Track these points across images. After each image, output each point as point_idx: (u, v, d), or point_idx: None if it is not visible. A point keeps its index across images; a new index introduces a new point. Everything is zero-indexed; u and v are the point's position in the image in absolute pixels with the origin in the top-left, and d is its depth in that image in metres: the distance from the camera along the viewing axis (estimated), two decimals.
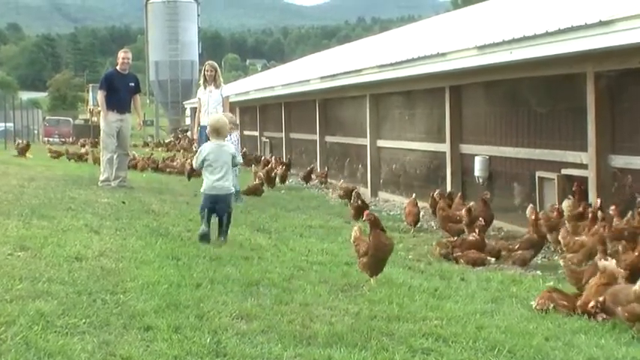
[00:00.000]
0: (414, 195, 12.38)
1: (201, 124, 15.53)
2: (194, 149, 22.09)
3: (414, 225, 11.75)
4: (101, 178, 16.10)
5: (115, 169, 15.97)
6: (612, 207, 9.03)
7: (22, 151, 28.12)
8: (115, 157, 15.96)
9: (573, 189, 10.35)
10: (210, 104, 15.52)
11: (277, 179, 18.10)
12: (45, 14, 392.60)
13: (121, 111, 16.19)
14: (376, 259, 7.26)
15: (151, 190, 15.76)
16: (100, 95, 16.58)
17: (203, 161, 9.69)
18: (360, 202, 12.39)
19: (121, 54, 16.75)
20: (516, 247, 9.27)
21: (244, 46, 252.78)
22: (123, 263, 7.63)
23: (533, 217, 9.51)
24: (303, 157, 23.35)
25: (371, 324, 5.78)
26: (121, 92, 16.18)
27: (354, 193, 12.87)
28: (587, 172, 10.02)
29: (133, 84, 16.57)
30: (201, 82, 15.97)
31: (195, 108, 17.68)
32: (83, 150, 30.02)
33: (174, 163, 23.54)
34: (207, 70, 15.78)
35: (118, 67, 16.66)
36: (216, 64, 16.17)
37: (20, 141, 33.56)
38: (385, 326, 5.74)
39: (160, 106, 67.32)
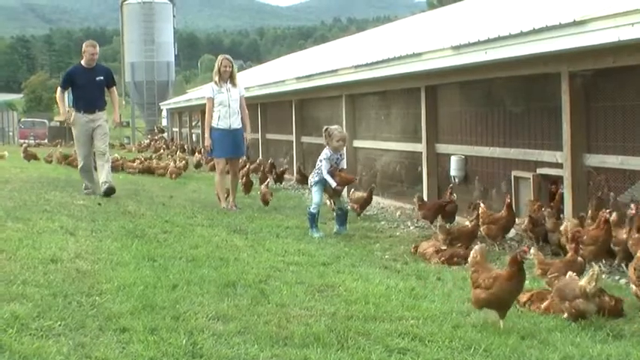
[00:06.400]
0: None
1: (220, 126, 13.86)
2: (203, 155, 20.71)
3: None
4: (83, 187, 14.88)
5: (99, 175, 14.56)
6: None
7: (30, 157, 27.39)
8: (90, 163, 14.75)
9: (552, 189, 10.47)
10: (231, 105, 13.86)
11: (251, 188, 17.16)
12: (19, 15, 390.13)
13: (89, 110, 14.56)
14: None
15: (126, 191, 15.67)
16: (58, 93, 15.02)
17: None
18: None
19: (89, 48, 14.78)
20: None
21: (220, 46, 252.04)
22: (98, 265, 7.62)
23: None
24: (280, 158, 23.28)
25: (347, 324, 5.78)
26: (87, 89, 14.54)
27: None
28: (563, 171, 10.07)
29: (101, 77, 14.80)
30: (216, 78, 13.91)
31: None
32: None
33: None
34: (224, 66, 13.90)
35: (83, 62, 14.88)
36: (232, 59, 14.29)
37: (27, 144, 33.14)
38: (362, 326, 5.75)
39: (136, 108, 67.05)
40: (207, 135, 14.00)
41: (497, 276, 6.03)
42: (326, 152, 11.42)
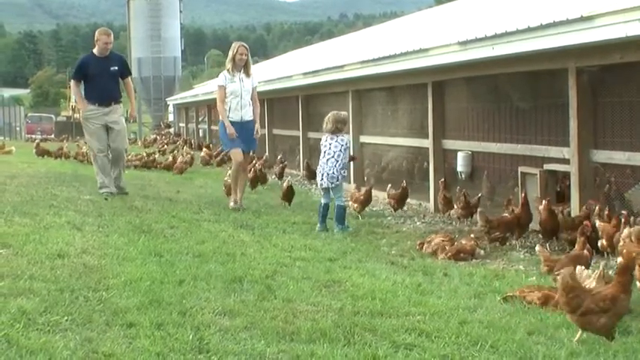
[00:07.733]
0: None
1: (231, 119, 12.91)
2: (217, 146, 20.00)
3: None
4: (98, 185, 13.67)
5: (112, 173, 13.74)
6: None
7: (42, 153, 27.12)
8: (106, 158, 13.62)
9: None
10: (243, 96, 12.93)
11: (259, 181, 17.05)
12: (26, 10, 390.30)
13: (104, 103, 13.48)
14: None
15: (133, 186, 15.66)
16: (73, 85, 14.08)
17: None
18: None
19: (102, 37, 13.67)
20: None
21: (227, 42, 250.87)
22: (105, 260, 7.62)
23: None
24: (287, 154, 23.27)
25: (354, 320, 5.78)
26: (101, 79, 13.44)
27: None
28: (569, 167, 10.05)
29: (116, 67, 13.67)
30: (229, 66, 12.91)
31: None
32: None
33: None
34: (240, 54, 12.90)
35: (95, 51, 13.75)
36: (248, 47, 13.21)
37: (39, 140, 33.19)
38: (368, 322, 5.75)
39: (143, 103, 67.13)
40: (227, 123, 12.80)
41: (613, 296, 5.45)
42: (348, 138, 11.30)
